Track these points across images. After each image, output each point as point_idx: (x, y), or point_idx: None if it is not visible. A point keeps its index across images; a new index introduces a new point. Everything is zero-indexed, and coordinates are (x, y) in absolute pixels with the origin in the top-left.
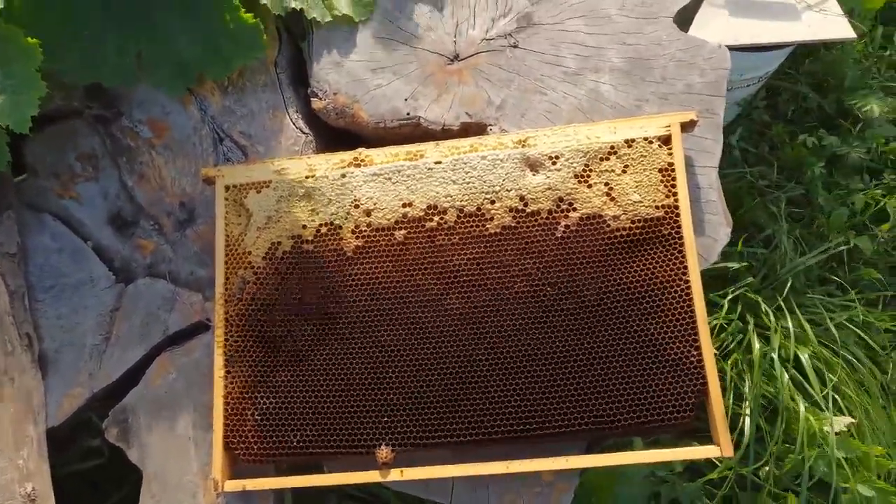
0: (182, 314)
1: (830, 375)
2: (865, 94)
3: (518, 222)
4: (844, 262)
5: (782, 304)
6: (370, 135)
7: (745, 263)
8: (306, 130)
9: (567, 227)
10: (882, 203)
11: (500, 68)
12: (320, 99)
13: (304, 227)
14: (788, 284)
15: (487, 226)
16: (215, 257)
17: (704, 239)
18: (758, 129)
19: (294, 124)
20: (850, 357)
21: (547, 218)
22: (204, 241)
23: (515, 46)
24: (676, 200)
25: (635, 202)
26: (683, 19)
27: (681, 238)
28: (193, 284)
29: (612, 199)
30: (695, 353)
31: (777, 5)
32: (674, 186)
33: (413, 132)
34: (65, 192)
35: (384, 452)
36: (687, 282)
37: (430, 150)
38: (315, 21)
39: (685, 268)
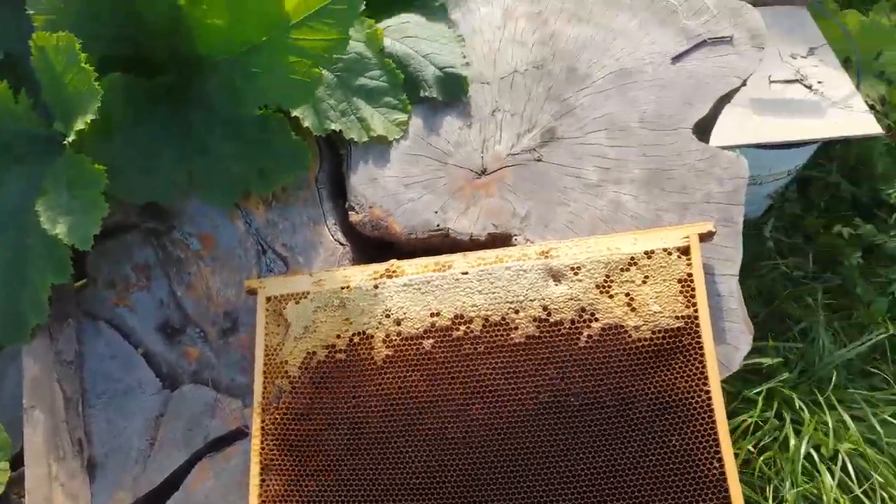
0: (223, 420)
1: (877, 476)
2: None
3: (542, 332)
4: (888, 353)
5: (822, 399)
6: (403, 244)
7: (779, 359)
8: (344, 242)
9: (590, 336)
10: None
11: (524, 181)
12: (357, 213)
13: (338, 336)
14: (830, 378)
15: (512, 335)
16: (254, 367)
17: (726, 347)
18: (791, 220)
19: (332, 236)
20: None
21: (570, 328)
22: (246, 349)
23: (539, 160)
24: (696, 311)
25: (656, 312)
26: (703, 128)
27: (701, 348)
28: (235, 391)
29: (634, 309)
30: (717, 465)
31: (801, 103)
32: (693, 297)
33: (443, 242)
34: (120, 301)
35: None
36: (707, 392)
37: (458, 261)
38: (353, 141)
39: (706, 378)
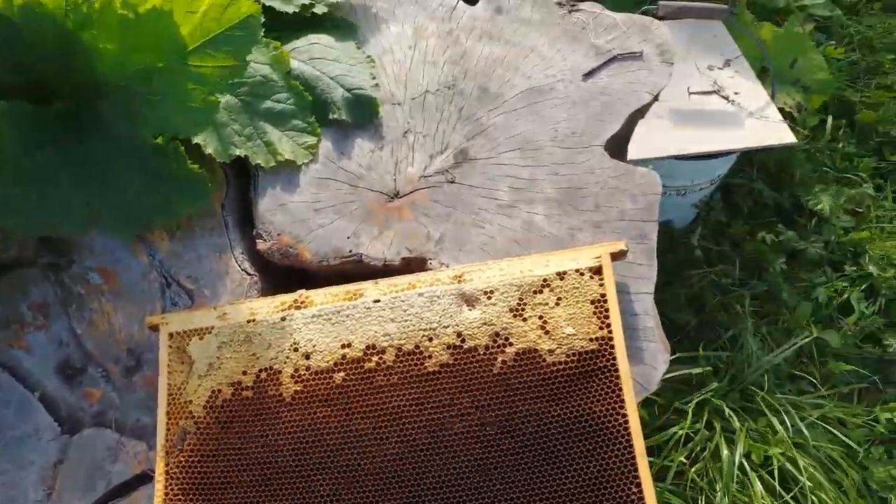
0: (126, 464)
1: (806, 480)
2: (819, 188)
3: (456, 359)
4: (815, 356)
5: (751, 405)
6: (315, 272)
7: (708, 368)
8: (251, 272)
9: (504, 362)
10: (846, 295)
11: (438, 203)
12: (265, 240)
13: (245, 373)
14: (759, 384)
15: (426, 364)
16: (157, 407)
17: (643, 367)
18: (717, 227)
19: (239, 266)
20: (825, 458)
21: (484, 354)
22: (151, 388)
23: (452, 182)
24: (610, 332)
25: (569, 335)
26: (617, 145)
27: (617, 370)
28: (139, 432)
29: (547, 332)
30: (636, 489)
31: (719, 114)
32: (607, 317)
33: (357, 268)
34: (15, 343)
35: None
36: (624, 415)
37: (370, 289)
38: (259, 166)
39: (622, 401)
